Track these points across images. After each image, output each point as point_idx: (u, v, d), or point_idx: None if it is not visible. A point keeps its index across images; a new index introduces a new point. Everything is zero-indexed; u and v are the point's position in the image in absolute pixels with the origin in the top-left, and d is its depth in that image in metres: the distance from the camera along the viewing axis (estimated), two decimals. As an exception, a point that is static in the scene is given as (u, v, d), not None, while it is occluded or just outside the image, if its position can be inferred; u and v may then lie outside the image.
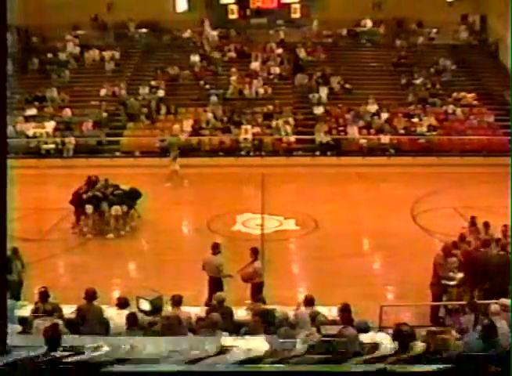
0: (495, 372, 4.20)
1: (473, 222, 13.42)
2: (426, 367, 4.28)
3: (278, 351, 6.11)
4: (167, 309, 8.66)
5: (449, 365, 3.69)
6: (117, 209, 16.23)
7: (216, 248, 11.59)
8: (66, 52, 29.61)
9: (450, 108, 26.36)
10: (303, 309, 8.79)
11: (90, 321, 8.41)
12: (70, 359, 4.93)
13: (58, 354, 5.46)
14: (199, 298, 11.45)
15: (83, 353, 5.56)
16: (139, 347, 6.10)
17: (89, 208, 16.15)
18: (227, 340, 6.65)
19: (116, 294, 11.45)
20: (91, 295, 8.67)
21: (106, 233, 16.16)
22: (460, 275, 11.17)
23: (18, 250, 11.42)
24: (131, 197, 16.64)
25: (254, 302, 9.69)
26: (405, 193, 19.38)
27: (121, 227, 16.37)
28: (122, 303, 8.72)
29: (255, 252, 11.44)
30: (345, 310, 8.20)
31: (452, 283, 11.13)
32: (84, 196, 16.24)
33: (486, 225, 13.02)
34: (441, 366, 3.60)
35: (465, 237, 12.37)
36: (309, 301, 8.84)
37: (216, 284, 11.19)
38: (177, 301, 8.55)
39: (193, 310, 8.97)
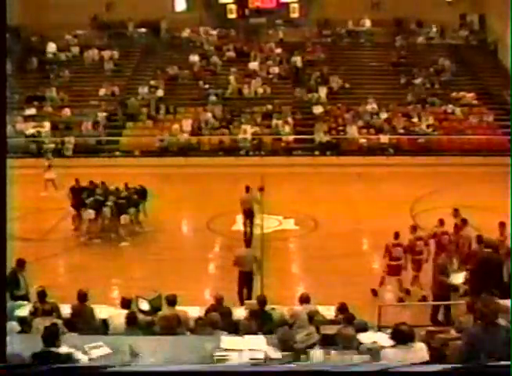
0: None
1: (455, 214, 13.51)
2: (427, 368, 4.27)
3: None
4: (166, 308, 8.66)
5: (451, 365, 3.69)
6: (125, 218, 15.97)
7: (250, 242, 11.96)
8: (48, 52, 29.63)
9: (449, 108, 26.38)
10: (299, 307, 8.77)
11: (83, 321, 8.40)
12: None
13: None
14: (198, 297, 11.47)
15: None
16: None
17: (91, 213, 15.94)
18: (226, 339, 6.66)
19: (115, 294, 11.50)
20: (82, 296, 8.64)
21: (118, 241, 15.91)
22: (463, 273, 11.10)
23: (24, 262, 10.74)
24: (141, 195, 16.63)
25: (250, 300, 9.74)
26: (405, 193, 19.37)
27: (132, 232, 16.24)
28: (125, 303, 8.71)
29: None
30: (343, 309, 8.22)
31: (456, 281, 10.99)
32: (87, 201, 16.11)
33: (502, 225, 12.47)
34: (442, 366, 3.60)
35: (436, 234, 12.70)
36: (305, 300, 8.83)
37: (248, 279, 11.22)
38: (171, 301, 8.52)
39: (193, 310, 8.96)
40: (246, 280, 11.20)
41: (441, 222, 12.97)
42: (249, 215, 15.85)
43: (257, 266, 11.48)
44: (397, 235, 12.14)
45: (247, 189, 15.85)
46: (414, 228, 12.71)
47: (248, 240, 11.96)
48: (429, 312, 11.01)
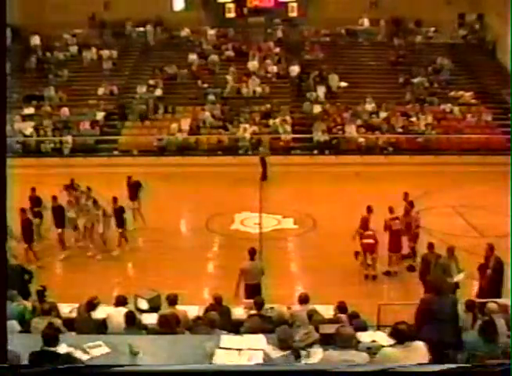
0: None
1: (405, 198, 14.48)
2: (427, 367, 4.27)
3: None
4: (165, 307, 8.65)
5: (451, 365, 3.69)
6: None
7: (254, 254, 11.24)
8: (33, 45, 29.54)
9: (448, 107, 26.38)
10: (298, 307, 8.75)
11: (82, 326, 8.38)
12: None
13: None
14: (197, 296, 11.47)
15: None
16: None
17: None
18: (225, 339, 6.66)
19: (115, 293, 11.47)
20: (90, 305, 8.57)
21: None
22: (464, 272, 11.09)
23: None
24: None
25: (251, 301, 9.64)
26: (403, 192, 19.34)
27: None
28: (120, 301, 8.68)
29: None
30: (342, 309, 8.22)
31: (458, 280, 10.99)
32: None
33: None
34: (442, 366, 3.60)
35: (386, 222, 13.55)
36: (304, 299, 8.81)
37: (256, 291, 10.81)
38: (172, 301, 8.51)
39: (192, 309, 8.95)
40: (253, 293, 10.64)
41: (391, 210, 13.65)
42: (262, 161, 21.86)
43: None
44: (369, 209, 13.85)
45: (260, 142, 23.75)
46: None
47: (253, 252, 11.37)
48: None
